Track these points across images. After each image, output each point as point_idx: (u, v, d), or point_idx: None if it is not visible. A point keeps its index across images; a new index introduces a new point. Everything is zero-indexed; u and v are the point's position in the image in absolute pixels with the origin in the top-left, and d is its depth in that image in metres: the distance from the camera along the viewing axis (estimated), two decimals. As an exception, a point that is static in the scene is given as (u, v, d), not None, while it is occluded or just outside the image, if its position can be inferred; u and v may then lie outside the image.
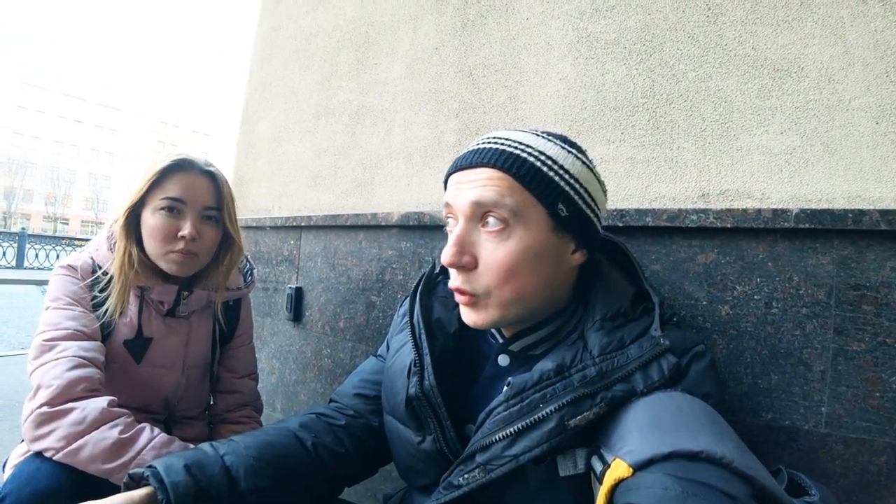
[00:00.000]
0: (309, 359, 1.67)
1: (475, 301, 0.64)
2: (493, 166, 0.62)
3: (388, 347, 0.84)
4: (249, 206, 2.09)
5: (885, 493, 0.77)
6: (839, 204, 0.82)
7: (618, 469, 0.49)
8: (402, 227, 1.40)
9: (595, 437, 0.57)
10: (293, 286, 1.74)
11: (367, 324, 1.48)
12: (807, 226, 0.82)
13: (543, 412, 0.58)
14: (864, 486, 0.78)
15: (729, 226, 0.88)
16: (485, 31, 1.31)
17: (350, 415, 0.82)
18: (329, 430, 0.79)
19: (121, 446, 0.84)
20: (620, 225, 0.98)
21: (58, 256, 12.44)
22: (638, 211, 0.97)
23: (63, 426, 0.83)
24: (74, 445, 0.82)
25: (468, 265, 0.63)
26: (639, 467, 0.47)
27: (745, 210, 0.87)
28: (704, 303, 0.91)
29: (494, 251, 0.62)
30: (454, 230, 0.64)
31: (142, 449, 0.86)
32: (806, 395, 0.82)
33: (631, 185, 1.03)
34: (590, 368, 0.59)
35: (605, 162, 1.05)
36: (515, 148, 0.63)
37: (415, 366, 0.71)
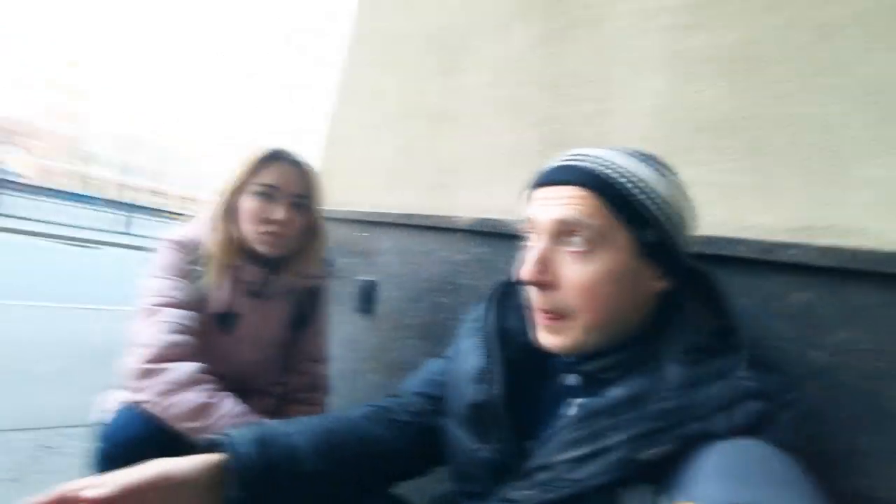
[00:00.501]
0: (373, 351, 1.72)
1: (560, 323, 0.63)
2: (581, 185, 0.61)
3: (455, 350, 0.85)
4: (330, 199, 2.18)
5: None
6: (970, 251, 0.73)
7: (687, 513, 0.46)
8: (474, 233, 1.41)
9: (664, 475, 0.54)
10: (365, 279, 1.80)
11: (433, 323, 1.50)
12: (928, 272, 0.73)
13: (612, 441, 0.56)
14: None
15: (833, 265, 0.80)
16: (574, 41, 1.29)
17: (411, 412, 0.84)
18: (389, 426, 0.80)
19: (203, 409, 0.94)
20: (707, 253, 0.92)
21: (159, 228, 13.74)
22: (728, 240, 0.91)
23: (159, 383, 0.94)
24: (166, 402, 0.93)
25: (547, 284, 0.62)
26: None
27: (855, 249, 0.79)
28: (798, 347, 0.83)
29: (577, 273, 0.60)
30: (536, 248, 0.63)
31: (222, 415, 0.95)
32: (911, 463, 0.74)
33: (720, 212, 0.97)
34: (666, 402, 0.56)
35: (694, 185, 0.98)
36: (605, 167, 0.61)
37: (483, 373, 0.71)
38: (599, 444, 0.56)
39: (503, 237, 1.33)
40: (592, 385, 0.67)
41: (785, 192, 0.90)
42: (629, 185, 0.60)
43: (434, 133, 1.67)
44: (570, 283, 0.61)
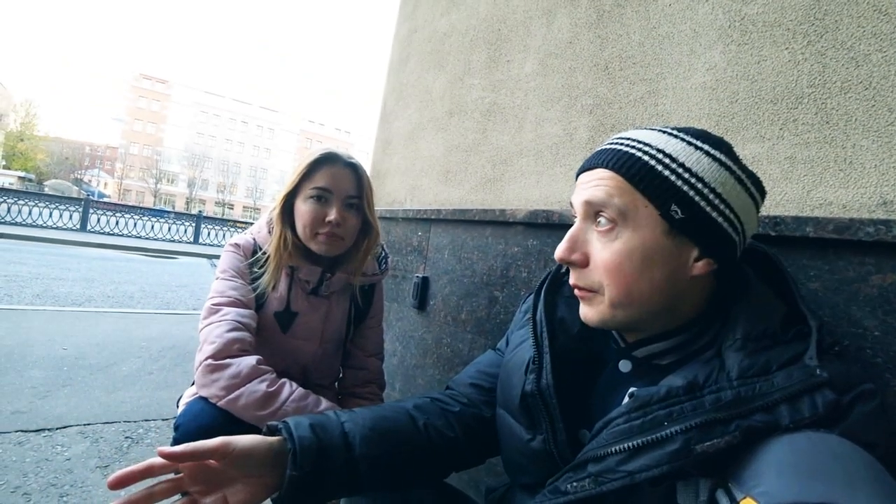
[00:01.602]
0: (429, 346, 1.75)
1: (591, 297, 0.64)
2: (605, 166, 0.62)
3: (507, 342, 0.85)
4: (384, 198, 2.23)
5: None
6: None
7: (748, 509, 0.44)
8: (529, 225, 1.39)
9: (724, 468, 0.51)
10: (420, 275, 1.83)
11: (488, 317, 1.50)
12: None
13: (668, 431, 0.53)
14: None
15: (919, 241, 0.73)
16: (622, 21, 1.24)
17: (464, 402, 0.84)
18: (442, 414, 0.82)
19: (268, 398, 0.99)
20: (773, 234, 0.86)
21: (224, 236, 14.62)
22: (796, 219, 0.85)
23: (223, 378, 1.00)
24: (233, 395, 0.99)
25: (578, 262, 0.64)
26: None
27: (943, 223, 0.72)
28: (877, 333, 0.76)
29: (602, 250, 0.61)
30: (571, 228, 0.66)
31: (285, 401, 1.01)
32: None
33: (789, 188, 0.90)
34: (726, 391, 0.53)
35: (758, 162, 0.94)
36: (630, 147, 0.61)
37: (533, 363, 0.71)
38: (654, 435, 0.54)
39: (556, 228, 1.30)
40: (647, 373, 0.65)
41: (862, 164, 0.83)
42: (651, 161, 0.59)
43: (484, 127, 1.67)
44: (595, 261, 0.62)
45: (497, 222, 1.50)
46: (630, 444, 0.55)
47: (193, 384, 1.09)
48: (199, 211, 16.16)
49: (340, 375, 1.41)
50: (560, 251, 0.64)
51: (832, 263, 0.82)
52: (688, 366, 0.60)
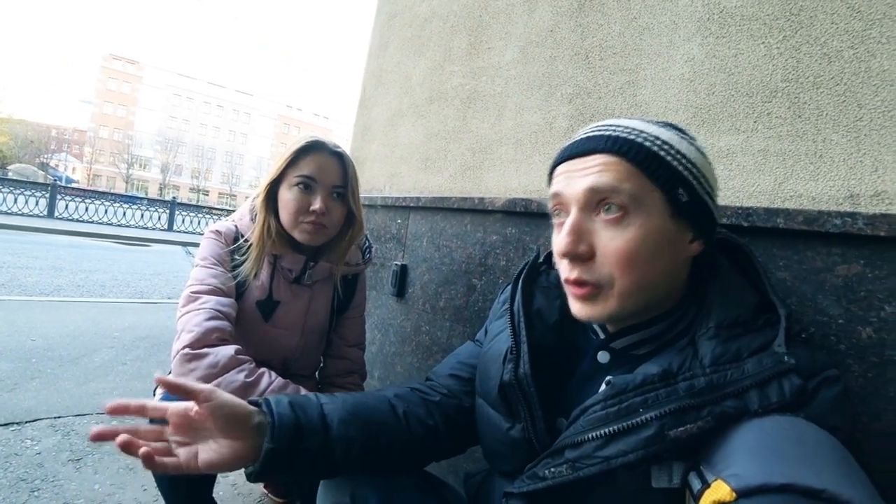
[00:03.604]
0: (408, 333, 1.75)
1: (596, 293, 0.61)
2: (608, 152, 0.60)
3: (486, 333, 0.85)
4: (363, 185, 2.20)
5: None
6: None
7: (718, 491, 0.45)
8: (507, 213, 1.40)
9: (696, 451, 0.53)
10: (399, 263, 1.82)
11: (466, 305, 1.51)
12: None
13: (643, 418, 0.55)
14: None
15: (882, 234, 0.75)
16: (603, 11, 1.25)
17: (443, 393, 0.85)
18: (422, 404, 0.82)
19: (246, 388, 0.99)
20: (745, 225, 0.89)
21: (199, 223, 14.31)
22: (767, 210, 0.87)
23: (201, 367, 0.98)
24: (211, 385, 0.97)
25: (584, 254, 0.60)
26: (743, 493, 0.43)
27: (906, 216, 0.74)
28: (841, 321, 0.79)
29: (613, 239, 0.59)
30: (567, 220, 0.62)
31: (264, 391, 1.00)
32: (967, 438, 0.69)
33: (762, 180, 0.92)
34: (699, 378, 0.55)
35: (733, 154, 0.96)
36: (629, 133, 0.61)
37: (511, 353, 0.71)
38: (629, 421, 0.55)
39: (535, 217, 1.31)
40: (625, 363, 0.66)
41: (831, 158, 0.85)
42: (654, 147, 0.60)
43: (464, 114, 1.66)
44: (606, 251, 0.59)
45: (476, 210, 1.51)
46: (606, 430, 0.57)
47: (170, 374, 1.08)
48: (174, 197, 15.74)
49: (321, 365, 1.40)
50: (565, 245, 0.61)
51: (801, 253, 0.84)
52: (663, 354, 0.61)
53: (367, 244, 1.40)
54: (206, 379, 0.97)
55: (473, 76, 1.63)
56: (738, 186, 0.94)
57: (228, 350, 1.01)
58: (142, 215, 13.37)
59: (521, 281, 0.80)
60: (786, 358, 0.54)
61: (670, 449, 0.53)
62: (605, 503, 0.60)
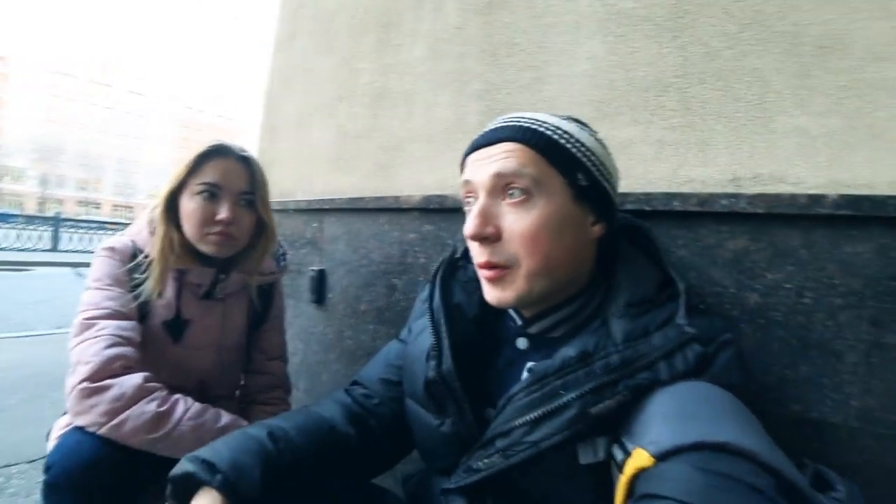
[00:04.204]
0: (331, 341, 1.69)
1: (503, 275, 0.64)
2: (512, 140, 0.64)
3: (409, 331, 0.84)
4: (273, 189, 2.07)
5: (919, 490, 0.74)
6: (881, 189, 0.78)
7: (639, 458, 0.48)
8: (423, 210, 1.39)
9: (617, 425, 0.56)
10: (316, 269, 1.76)
11: (388, 307, 1.48)
12: (845, 212, 0.78)
13: (565, 399, 0.57)
14: (894, 483, 0.75)
15: (761, 211, 0.84)
16: (510, 9, 1.28)
17: (375, 402, 0.84)
18: (359, 419, 0.81)
19: (160, 418, 0.89)
20: (647, 209, 0.95)
21: (91, 240, 12.86)
22: (666, 195, 0.94)
23: (104, 402, 0.87)
24: (116, 420, 0.86)
25: (492, 236, 0.63)
26: (661, 457, 0.46)
27: (778, 195, 0.84)
28: (732, 290, 0.88)
29: (518, 221, 0.62)
30: (475, 204, 0.65)
31: (180, 419, 0.90)
32: (836, 387, 0.79)
33: (660, 167, 1.00)
34: (613, 356, 0.58)
35: (633, 144, 1.02)
36: (532, 123, 0.65)
37: (433, 350, 0.71)
38: (552, 405, 0.58)
39: (451, 212, 1.32)
40: (543, 347, 0.68)
41: (716, 146, 0.94)
42: (555, 136, 0.64)
43: (375, 112, 1.63)
44: (511, 232, 0.63)
45: (392, 209, 1.49)
46: (532, 415, 0.58)
47: (66, 413, 0.94)
48: (57, 213, 14.05)
49: (242, 383, 1.31)
50: (472, 227, 0.63)
51: (695, 232, 0.92)
52: (578, 336, 0.64)
53: (282, 251, 1.33)
54: (111, 414, 0.86)
55: (383, 73, 1.61)
56: (639, 174, 1.01)
57: (135, 379, 0.90)
58: (18, 235, 11.72)
59: (439, 277, 0.80)
60: (687, 329, 0.58)
61: (593, 426, 0.56)
62: (538, 486, 0.61)
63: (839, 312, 0.79)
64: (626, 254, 0.70)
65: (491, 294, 0.66)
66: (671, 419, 0.50)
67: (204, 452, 0.65)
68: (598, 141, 0.69)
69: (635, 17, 1.05)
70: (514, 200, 0.63)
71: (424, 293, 0.83)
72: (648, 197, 0.96)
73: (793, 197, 0.82)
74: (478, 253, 0.66)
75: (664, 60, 1.00)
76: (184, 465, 0.64)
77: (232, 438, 0.69)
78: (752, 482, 0.43)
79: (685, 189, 0.96)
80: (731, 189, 0.91)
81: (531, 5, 1.24)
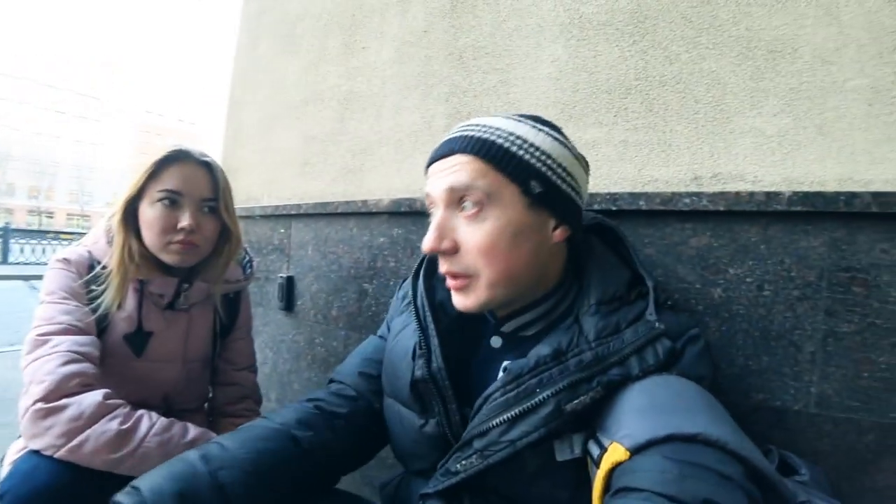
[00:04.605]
0: (302, 348, 1.66)
1: (466, 284, 0.65)
2: (463, 152, 0.64)
3: (388, 329, 0.84)
4: (238, 195, 2.03)
5: (873, 470, 0.78)
6: (831, 186, 0.82)
7: (615, 453, 0.49)
8: (393, 214, 1.39)
9: (591, 421, 0.57)
10: (285, 275, 1.72)
11: (359, 311, 1.47)
12: (799, 208, 0.82)
13: (540, 397, 0.58)
14: (853, 464, 0.79)
15: (722, 209, 0.87)
16: (474, 13, 1.29)
17: (352, 396, 0.81)
18: (327, 427, 0.77)
19: (123, 437, 0.84)
20: (614, 209, 0.98)
21: (44, 251, 12.23)
22: (631, 194, 0.97)
23: (60, 422, 0.82)
24: (75, 441, 0.81)
25: (448, 250, 0.64)
26: (636, 450, 0.48)
27: (737, 193, 0.87)
28: (698, 286, 0.91)
29: (472, 233, 0.63)
30: (433, 218, 0.66)
31: (145, 436, 0.86)
32: (796, 375, 0.83)
33: (624, 168, 1.02)
34: (586, 353, 0.59)
35: (598, 145, 1.05)
36: (484, 132, 0.64)
37: (420, 348, 0.70)
38: (528, 403, 0.58)
39: (420, 216, 1.32)
40: (517, 345, 0.69)
41: (678, 146, 0.97)
42: (506, 144, 0.63)
43: (342, 116, 1.62)
44: (467, 245, 0.63)
45: (360, 213, 1.47)
46: (508, 414, 0.59)
47: (20, 437, 0.89)
48: (6, 223, 13.33)
49: (210, 395, 1.26)
50: (428, 242, 0.64)
51: (661, 230, 0.95)
52: (552, 334, 0.65)
53: (248, 258, 1.28)
54: (69, 435, 0.81)
55: (349, 76, 1.60)
56: (605, 174, 1.03)
57: (94, 396, 0.85)
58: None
59: (421, 275, 0.79)
60: (657, 324, 0.60)
61: (568, 422, 0.57)
62: (517, 485, 0.62)
63: (797, 304, 0.83)
64: (598, 253, 0.71)
65: (456, 301, 0.67)
66: (644, 413, 0.51)
67: (140, 478, 0.62)
68: (558, 140, 0.66)
69: (597, 22, 1.07)
70: (468, 213, 0.63)
71: (403, 291, 0.83)
72: (614, 197, 0.98)
73: (751, 194, 0.86)
74: (441, 263, 0.67)
75: (626, 64, 1.03)
76: (123, 492, 0.61)
77: (167, 463, 0.66)
78: (722, 470, 0.44)
79: (649, 189, 0.98)
80: (693, 188, 0.94)
81: (495, 9, 1.25)
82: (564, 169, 0.65)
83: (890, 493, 0.77)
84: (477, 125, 0.66)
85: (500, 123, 0.66)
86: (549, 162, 0.64)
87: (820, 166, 0.84)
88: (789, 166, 0.86)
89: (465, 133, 0.65)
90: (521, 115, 0.68)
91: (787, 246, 0.84)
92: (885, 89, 0.80)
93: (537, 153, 0.64)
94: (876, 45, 0.81)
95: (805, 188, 0.84)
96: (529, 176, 0.63)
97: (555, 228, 0.65)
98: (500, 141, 0.63)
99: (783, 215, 0.84)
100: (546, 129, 0.67)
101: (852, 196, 0.78)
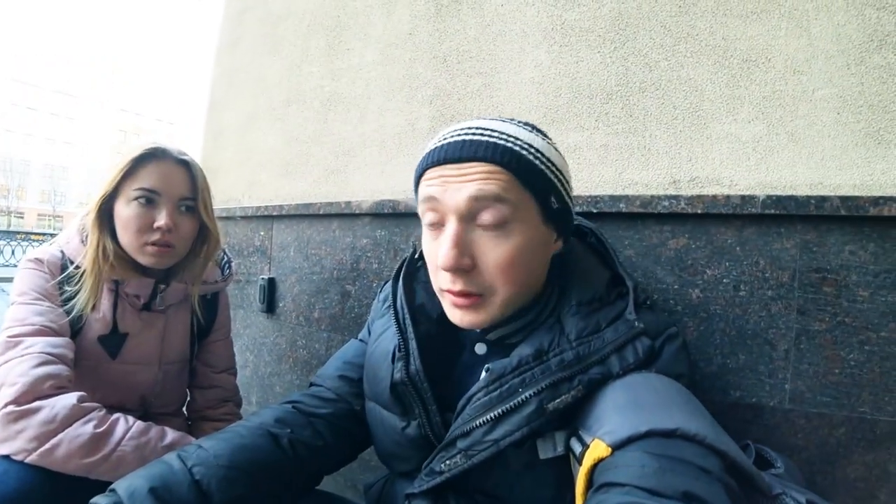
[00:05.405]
0: (284, 350, 1.64)
1: (476, 302, 0.61)
2: (491, 161, 0.59)
3: (369, 332, 0.83)
4: (218, 195, 2.02)
5: (844, 463, 0.81)
6: (802, 191, 0.85)
7: (597, 449, 0.50)
8: (375, 216, 1.39)
9: (573, 419, 0.58)
10: (266, 277, 1.71)
11: (342, 313, 1.46)
12: (772, 211, 0.85)
13: (523, 396, 0.58)
14: (825, 457, 0.82)
15: (699, 212, 0.90)
16: (459, 17, 1.30)
17: (332, 398, 0.81)
18: (307, 424, 0.76)
19: (98, 440, 0.82)
20: (595, 211, 0.99)
21: (13, 253, 11.86)
22: (612, 197, 0.99)
23: (33, 426, 0.79)
24: (48, 445, 0.79)
25: (467, 267, 0.60)
26: (617, 447, 0.48)
27: (714, 196, 0.89)
28: (676, 287, 0.93)
29: (494, 250, 0.59)
30: (447, 230, 0.60)
31: (120, 439, 0.84)
32: (771, 373, 0.86)
33: (605, 171, 1.04)
34: (567, 353, 0.60)
35: (580, 149, 1.06)
36: (507, 141, 0.60)
37: (399, 350, 0.70)
38: (511, 402, 0.59)
39: (403, 217, 1.32)
40: (502, 351, 0.69)
41: (657, 150, 0.99)
42: (533, 158, 0.61)
43: (325, 117, 1.61)
44: (487, 263, 0.60)
45: (343, 215, 1.47)
46: (491, 414, 0.59)
47: None
48: (-28, 222, 12.85)
49: (189, 399, 1.24)
50: (449, 259, 0.58)
51: (640, 232, 0.97)
52: (533, 335, 0.65)
53: (226, 259, 1.26)
54: (41, 438, 0.78)
55: (333, 77, 1.59)
56: (586, 178, 1.05)
57: (68, 399, 0.83)
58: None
59: (401, 278, 0.79)
60: (636, 323, 0.61)
61: (551, 420, 0.58)
62: (501, 484, 0.62)
63: (771, 304, 0.86)
64: (578, 255, 0.72)
65: (462, 319, 0.63)
66: (624, 410, 0.52)
67: (119, 487, 0.61)
68: (559, 153, 0.66)
69: (579, 29, 1.09)
70: (488, 227, 0.59)
71: (384, 293, 0.83)
72: (595, 200, 1.00)
73: (727, 198, 0.88)
74: (449, 281, 0.62)
75: (607, 70, 1.05)
76: (101, 495, 0.60)
77: (145, 466, 0.65)
78: (701, 464, 0.45)
79: (629, 192, 1.00)
80: (671, 191, 0.96)
81: (480, 13, 1.26)
82: (569, 183, 0.66)
83: (860, 485, 0.80)
84: (493, 131, 0.61)
85: (518, 133, 0.62)
86: (561, 177, 0.63)
87: (791, 171, 0.87)
88: (763, 171, 0.89)
89: (485, 139, 0.60)
90: (525, 123, 0.66)
91: (761, 248, 0.87)
92: (851, 99, 0.83)
93: (554, 168, 0.62)
94: (843, 56, 0.84)
95: (778, 192, 0.87)
96: (549, 192, 0.61)
97: (556, 241, 0.66)
98: (527, 154, 0.60)
99: (757, 218, 0.87)
100: (549, 139, 0.66)
101: (822, 200, 0.81)
